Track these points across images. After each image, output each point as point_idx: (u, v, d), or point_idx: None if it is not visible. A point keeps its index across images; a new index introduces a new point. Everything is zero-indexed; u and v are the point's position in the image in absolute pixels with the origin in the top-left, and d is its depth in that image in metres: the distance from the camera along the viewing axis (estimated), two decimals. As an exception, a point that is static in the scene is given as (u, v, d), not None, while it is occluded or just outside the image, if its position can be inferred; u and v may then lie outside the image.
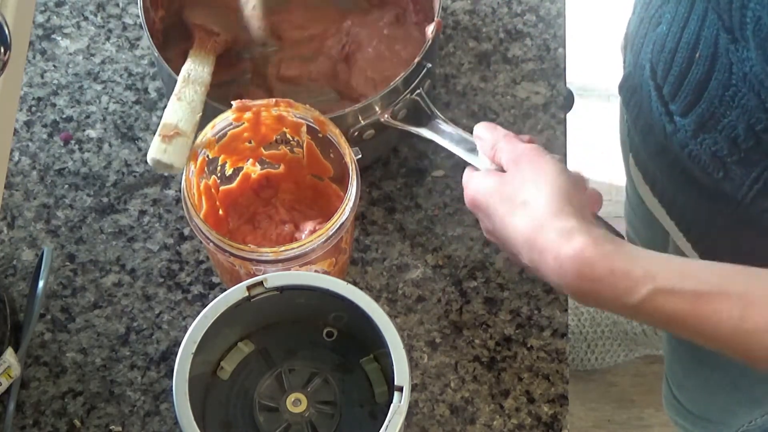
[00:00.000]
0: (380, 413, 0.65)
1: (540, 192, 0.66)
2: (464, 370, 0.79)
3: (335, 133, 0.72)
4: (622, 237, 0.67)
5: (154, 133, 0.72)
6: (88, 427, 0.77)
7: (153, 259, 0.84)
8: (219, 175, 0.77)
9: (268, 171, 0.79)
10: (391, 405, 0.61)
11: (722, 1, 0.63)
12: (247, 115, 0.73)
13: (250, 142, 0.76)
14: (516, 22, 0.95)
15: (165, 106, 0.74)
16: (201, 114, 0.74)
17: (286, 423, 0.66)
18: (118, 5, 0.96)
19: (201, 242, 0.73)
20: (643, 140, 0.83)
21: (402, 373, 0.62)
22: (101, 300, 0.82)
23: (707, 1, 0.66)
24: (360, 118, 0.78)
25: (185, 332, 0.63)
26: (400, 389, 0.61)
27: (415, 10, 0.87)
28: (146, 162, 0.87)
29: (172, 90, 0.76)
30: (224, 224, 0.78)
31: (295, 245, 0.68)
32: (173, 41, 0.85)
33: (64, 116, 0.90)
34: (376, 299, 0.77)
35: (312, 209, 0.80)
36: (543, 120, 0.90)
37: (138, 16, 0.95)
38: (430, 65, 0.79)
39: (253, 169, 0.79)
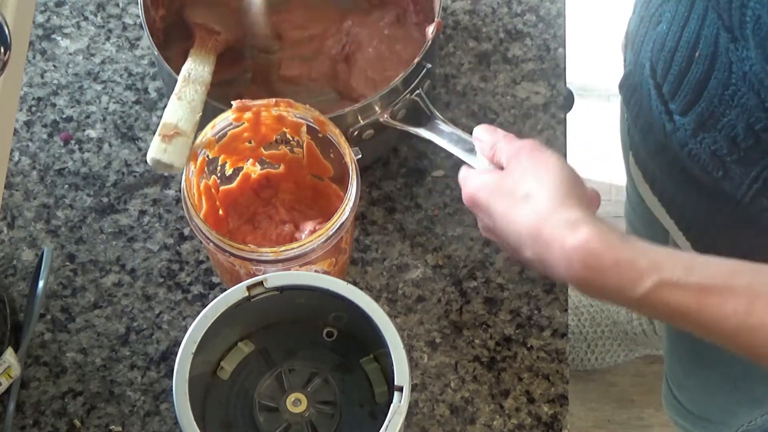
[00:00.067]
0: (380, 413, 0.65)
1: (542, 184, 0.66)
2: (464, 370, 0.79)
3: (335, 133, 0.72)
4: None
5: (154, 133, 0.72)
6: (88, 427, 0.77)
7: (153, 259, 0.84)
8: (219, 175, 0.76)
9: (268, 171, 0.79)
10: (391, 405, 0.61)
11: (722, 1, 0.63)
12: (247, 115, 0.73)
13: (250, 142, 0.76)
14: (516, 22, 0.95)
15: (165, 106, 0.74)
16: (201, 114, 0.74)
17: (286, 423, 0.66)
18: (118, 5, 0.96)
19: (201, 242, 0.73)
20: (643, 139, 0.83)
21: (402, 373, 0.62)
22: (101, 300, 0.82)
23: (707, 0, 0.66)
24: (359, 117, 0.78)
25: (185, 332, 0.63)
26: (400, 389, 0.61)
27: (416, 10, 0.87)
28: (146, 162, 0.87)
29: (173, 90, 0.76)
30: (224, 224, 0.78)
31: (295, 245, 0.68)
32: (174, 41, 0.85)
33: (64, 116, 0.90)
34: (376, 299, 0.77)
35: (312, 209, 0.80)
36: (543, 120, 0.90)
37: (138, 16, 0.95)
38: (429, 65, 0.79)
39: (253, 169, 0.78)
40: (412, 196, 0.86)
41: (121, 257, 0.84)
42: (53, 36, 0.94)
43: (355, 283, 0.82)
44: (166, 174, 0.86)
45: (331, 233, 0.69)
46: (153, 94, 0.91)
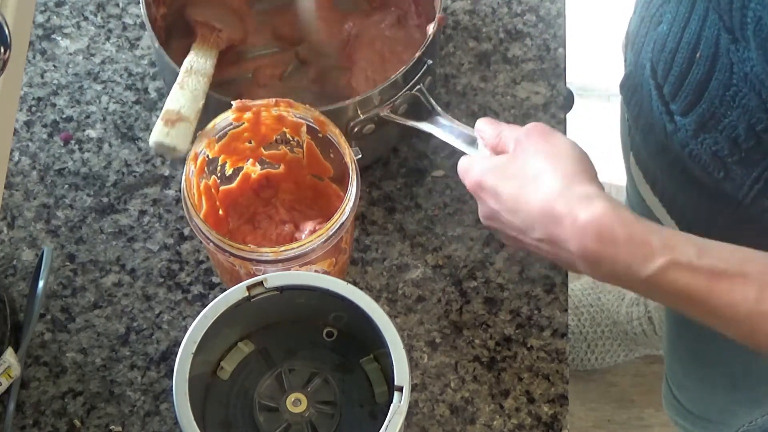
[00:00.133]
0: (380, 413, 0.65)
1: (553, 164, 0.66)
2: (464, 370, 0.79)
3: (335, 133, 0.72)
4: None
5: (156, 132, 0.72)
6: (88, 427, 0.77)
7: (153, 259, 0.84)
8: (219, 175, 0.76)
9: (268, 171, 0.79)
10: (391, 405, 0.61)
11: (723, 2, 0.63)
12: (247, 115, 0.73)
13: (250, 142, 0.76)
14: (516, 22, 0.95)
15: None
16: (203, 102, 0.74)
17: (286, 423, 0.66)
18: (118, 5, 0.96)
19: (201, 242, 0.73)
20: (644, 139, 0.83)
21: (402, 373, 0.61)
22: (101, 300, 0.82)
23: (708, 1, 0.66)
24: (359, 111, 0.77)
25: (185, 332, 0.63)
26: (400, 389, 0.61)
27: (417, 12, 0.87)
28: (147, 162, 0.88)
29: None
30: (224, 224, 0.78)
31: (295, 245, 0.68)
32: (175, 40, 0.85)
33: (64, 116, 0.90)
34: (376, 299, 0.77)
35: (312, 209, 0.80)
36: (543, 120, 0.90)
37: (138, 16, 0.95)
38: (430, 61, 0.79)
39: (253, 169, 0.78)
40: (412, 196, 0.86)
41: (121, 257, 0.84)
42: (53, 36, 0.94)
43: (355, 283, 0.82)
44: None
45: (331, 233, 0.69)
46: (153, 94, 0.91)
